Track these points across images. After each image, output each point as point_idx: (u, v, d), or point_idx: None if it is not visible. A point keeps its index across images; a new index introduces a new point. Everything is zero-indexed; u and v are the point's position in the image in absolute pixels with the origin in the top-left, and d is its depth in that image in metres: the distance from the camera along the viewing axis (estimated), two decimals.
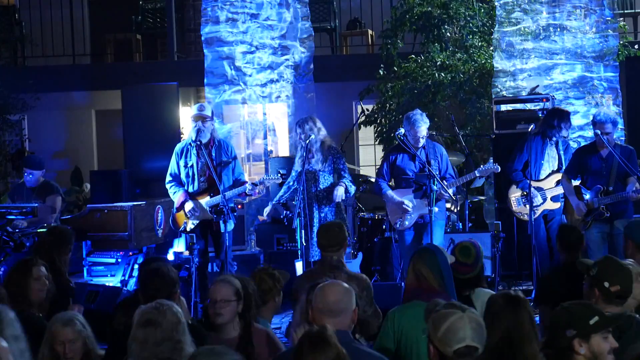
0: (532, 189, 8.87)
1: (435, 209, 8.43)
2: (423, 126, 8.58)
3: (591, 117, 8.92)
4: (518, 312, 3.89)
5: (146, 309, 4.12)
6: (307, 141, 8.76)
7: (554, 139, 9.09)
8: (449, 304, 3.75)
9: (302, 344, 3.69)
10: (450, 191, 8.54)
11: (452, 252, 5.70)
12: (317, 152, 8.84)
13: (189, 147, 8.78)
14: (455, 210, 9.82)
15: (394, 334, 4.77)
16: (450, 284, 4.94)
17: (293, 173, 9.01)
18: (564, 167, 9.05)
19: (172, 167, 8.85)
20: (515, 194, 9.23)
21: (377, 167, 13.41)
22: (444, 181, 8.57)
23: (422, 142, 8.60)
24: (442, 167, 8.68)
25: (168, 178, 8.88)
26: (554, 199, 9.10)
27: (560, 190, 8.99)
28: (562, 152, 9.16)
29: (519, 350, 3.79)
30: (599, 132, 8.43)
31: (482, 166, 8.78)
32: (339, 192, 8.75)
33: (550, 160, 9.16)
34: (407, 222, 8.65)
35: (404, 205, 8.59)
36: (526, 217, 9.06)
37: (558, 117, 9.10)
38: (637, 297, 4.96)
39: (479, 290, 5.59)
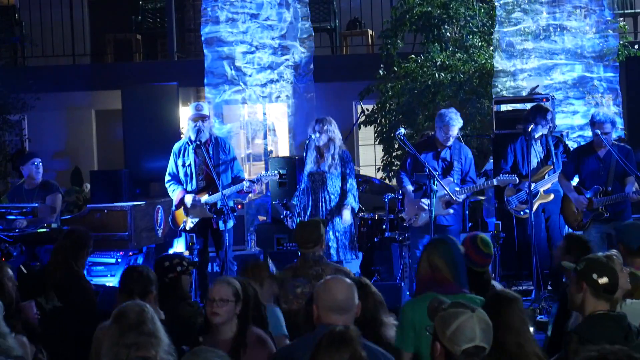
0: (525, 183, 8.86)
1: (450, 211, 8.56)
2: (456, 125, 8.68)
3: (590, 117, 8.91)
4: (509, 311, 3.90)
5: (116, 310, 4.17)
6: (307, 141, 8.75)
7: (534, 134, 9.07)
8: (457, 303, 3.71)
9: (321, 340, 3.67)
10: (452, 189, 8.58)
11: (462, 243, 5.71)
12: (327, 153, 8.76)
13: (186, 146, 8.80)
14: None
15: (413, 327, 4.71)
16: (463, 276, 4.92)
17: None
18: (552, 160, 9.06)
19: (171, 166, 8.87)
20: (508, 193, 9.24)
21: (378, 167, 13.48)
22: (463, 185, 8.66)
23: (451, 141, 8.67)
24: (464, 168, 8.76)
25: (167, 178, 8.90)
26: (546, 191, 9.11)
27: (553, 179, 8.99)
28: (552, 147, 9.14)
29: (516, 350, 3.79)
30: (598, 132, 8.42)
31: (501, 175, 8.83)
32: (346, 217, 8.67)
33: (538, 156, 9.17)
34: (420, 221, 8.67)
35: (420, 203, 8.61)
36: (522, 214, 9.07)
37: (533, 114, 9.12)
38: (622, 286, 5.00)
39: (493, 283, 5.65)
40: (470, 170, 8.79)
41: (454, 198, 8.59)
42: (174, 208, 8.88)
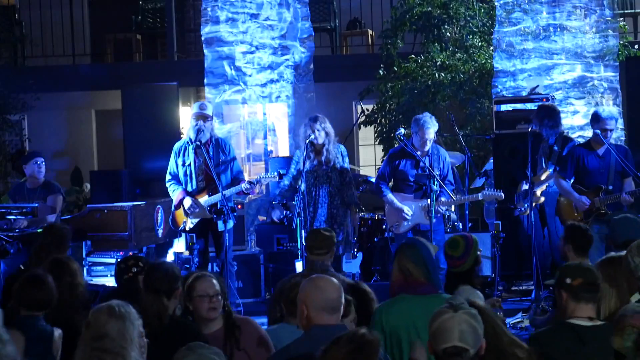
0: (527, 184, 8.86)
1: (433, 220, 8.46)
2: (432, 129, 8.57)
3: (592, 115, 8.87)
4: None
5: (91, 312, 3.91)
6: (308, 140, 8.75)
7: (542, 135, 9.04)
8: (452, 304, 3.70)
9: (340, 341, 3.49)
10: (452, 197, 8.57)
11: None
12: (325, 149, 8.82)
13: (186, 145, 8.80)
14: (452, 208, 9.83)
15: (382, 330, 4.71)
16: (436, 275, 4.89)
17: (293, 169, 8.98)
18: (551, 162, 9.04)
19: (171, 165, 8.88)
20: (518, 190, 9.25)
21: (378, 167, 13.47)
22: (442, 188, 8.60)
23: (428, 145, 8.58)
24: (442, 173, 8.69)
25: (168, 177, 8.91)
26: (543, 193, 9.11)
27: (547, 181, 8.97)
28: (557, 148, 9.11)
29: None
30: (599, 131, 8.40)
31: (485, 190, 8.83)
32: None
33: (544, 156, 9.15)
34: (402, 229, 8.68)
35: (403, 213, 8.62)
36: (518, 212, 9.07)
37: (534, 115, 9.10)
38: None
39: (463, 287, 5.44)
40: (448, 174, 8.76)
41: (453, 198, 8.61)
42: (173, 208, 8.89)
